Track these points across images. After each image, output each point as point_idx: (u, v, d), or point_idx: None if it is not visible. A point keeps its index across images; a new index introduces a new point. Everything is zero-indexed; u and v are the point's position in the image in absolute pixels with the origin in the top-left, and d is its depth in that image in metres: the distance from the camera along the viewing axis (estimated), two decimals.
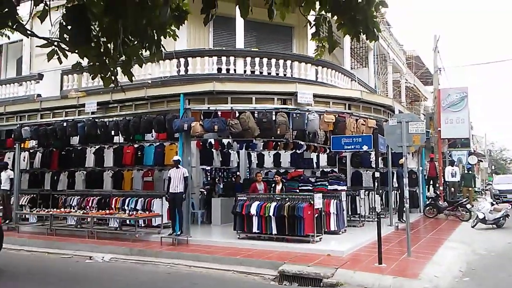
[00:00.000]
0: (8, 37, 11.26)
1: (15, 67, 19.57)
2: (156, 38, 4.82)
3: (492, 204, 13.55)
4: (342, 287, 6.52)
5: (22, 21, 4.44)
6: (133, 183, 12.38)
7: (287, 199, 9.48)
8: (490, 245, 9.98)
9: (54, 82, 15.71)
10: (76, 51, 4.36)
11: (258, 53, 14.08)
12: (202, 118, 10.53)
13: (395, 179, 13.18)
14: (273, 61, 13.86)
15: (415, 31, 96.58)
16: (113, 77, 5.05)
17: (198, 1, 4.51)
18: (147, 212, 10.76)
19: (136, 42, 4.74)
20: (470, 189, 18.81)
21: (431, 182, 18.39)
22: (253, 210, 9.45)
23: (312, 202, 9.16)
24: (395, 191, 13.55)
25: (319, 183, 11.22)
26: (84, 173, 13.35)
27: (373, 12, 4.45)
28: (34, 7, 4.22)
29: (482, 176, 43.20)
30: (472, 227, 12.76)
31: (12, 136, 13.28)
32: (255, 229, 9.48)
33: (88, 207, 11.70)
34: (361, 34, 4.59)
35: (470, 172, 21.55)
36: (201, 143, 13.70)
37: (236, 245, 9.23)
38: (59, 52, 4.52)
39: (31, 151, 14.44)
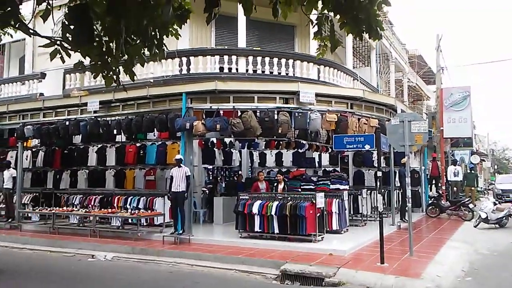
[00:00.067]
0: (11, 36, 11.31)
1: (17, 66, 19.64)
2: (158, 37, 4.82)
3: (495, 204, 13.51)
4: (344, 287, 6.52)
5: (25, 20, 4.44)
6: (135, 182, 12.40)
7: (289, 198, 9.47)
8: (492, 245, 9.96)
9: (57, 81, 15.75)
10: (79, 50, 4.37)
11: (260, 52, 14.07)
12: (204, 117, 10.55)
13: (397, 179, 13.15)
14: (275, 60, 13.85)
15: (418, 30, 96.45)
16: (115, 76, 5.06)
17: (200, 0, 4.51)
18: (149, 211, 10.79)
19: (138, 42, 4.74)
20: (472, 188, 18.75)
21: (434, 182, 18.36)
22: (255, 209, 9.45)
23: (314, 201, 9.16)
24: (397, 191, 13.52)
25: (321, 182, 11.22)
26: (86, 172, 13.38)
27: (376, 11, 4.44)
28: (37, 6, 4.23)
29: (485, 176, 43.04)
30: (475, 226, 12.72)
31: (15, 135, 13.32)
32: (257, 228, 9.49)
33: (90, 205, 11.74)
34: (364, 33, 4.58)
35: (472, 171, 21.44)
36: (203, 142, 13.71)
37: (238, 244, 9.23)
38: (61, 51, 4.52)
39: (33, 150, 14.49)
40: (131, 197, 11.27)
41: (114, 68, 4.97)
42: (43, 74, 16.52)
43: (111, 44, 4.60)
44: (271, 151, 16.44)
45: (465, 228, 12.60)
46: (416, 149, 12.29)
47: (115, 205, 11.35)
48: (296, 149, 15.72)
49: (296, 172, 12.88)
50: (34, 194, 13.23)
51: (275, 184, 11.29)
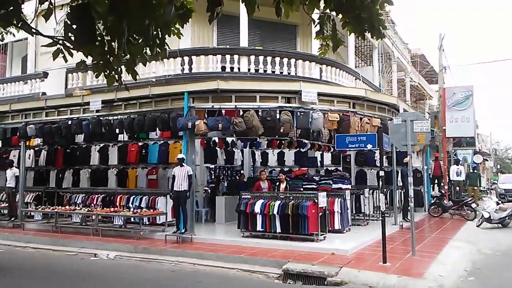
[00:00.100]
0: (14, 35, 11.33)
1: (20, 65, 19.68)
2: (160, 36, 4.82)
3: (498, 203, 13.47)
4: (346, 286, 6.51)
5: (27, 19, 4.45)
6: (137, 181, 12.41)
7: (291, 198, 9.47)
8: (495, 245, 9.94)
9: (59, 80, 15.78)
10: (81, 49, 4.37)
11: (262, 51, 14.07)
12: (206, 116, 10.55)
13: (399, 178, 13.14)
14: (277, 59, 13.84)
15: (420, 29, 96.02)
16: (117, 76, 5.06)
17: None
18: (152, 210, 10.80)
19: (140, 41, 4.74)
20: (475, 188, 18.72)
21: (436, 181, 18.30)
22: (257, 209, 9.45)
23: (316, 201, 9.15)
24: (400, 190, 13.50)
25: (323, 181, 11.21)
26: (88, 171, 13.40)
27: (378, 10, 4.43)
28: (39, 5, 4.24)
29: (487, 175, 42.99)
30: (477, 226, 12.70)
31: (18, 134, 13.34)
32: (259, 228, 9.49)
33: (92, 204, 11.76)
34: (367, 32, 4.57)
35: (475, 171, 21.42)
36: (205, 142, 13.71)
37: (240, 244, 9.24)
38: (64, 50, 4.53)
39: (36, 149, 14.53)
40: (134, 196, 11.29)
41: (116, 67, 4.97)
42: (45, 74, 16.57)
43: (113, 43, 4.60)
44: (273, 151, 16.44)
45: (467, 227, 12.57)
46: (418, 148, 12.28)
47: (117, 204, 11.37)
48: (298, 149, 15.71)
49: (298, 172, 12.87)
50: (37, 193, 13.27)
51: (277, 183, 11.30)
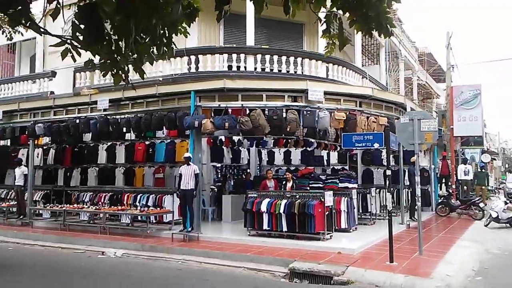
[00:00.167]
0: (22, 35, 11.43)
1: (28, 64, 19.85)
2: (167, 35, 4.83)
3: (506, 203, 13.33)
4: (353, 285, 6.50)
5: (35, 19, 4.48)
6: (144, 179, 12.47)
7: (297, 197, 9.46)
8: (503, 244, 9.85)
9: (67, 79, 15.90)
10: (89, 49, 4.40)
11: (269, 50, 14.06)
12: (212, 115, 10.58)
13: (406, 177, 13.07)
14: (284, 58, 13.83)
15: (428, 28, 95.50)
16: (124, 75, 5.08)
17: None
18: (158, 208, 10.84)
19: (147, 40, 4.76)
20: (483, 187, 18.57)
21: (444, 181, 18.18)
22: (263, 207, 9.45)
23: (322, 200, 9.14)
24: (407, 189, 13.44)
25: (329, 180, 11.18)
26: (96, 169, 13.48)
27: (386, 8, 4.41)
28: (47, 5, 4.27)
29: (495, 175, 42.59)
30: (485, 226, 12.60)
31: (26, 133, 13.46)
32: (265, 226, 9.49)
33: (100, 203, 11.83)
34: (374, 30, 4.55)
35: (483, 170, 21.21)
36: (211, 140, 13.74)
37: (247, 242, 9.25)
38: (72, 50, 4.56)
39: (44, 147, 14.65)
40: (141, 194, 11.33)
41: (123, 66, 4.99)
42: (53, 73, 16.70)
43: (120, 42, 4.62)
44: (279, 149, 16.44)
45: (475, 227, 12.49)
46: (425, 147, 12.17)
47: (124, 202, 11.43)
48: (304, 147, 15.70)
49: (305, 171, 12.87)
50: (45, 191, 13.39)
51: (284, 182, 11.29)
